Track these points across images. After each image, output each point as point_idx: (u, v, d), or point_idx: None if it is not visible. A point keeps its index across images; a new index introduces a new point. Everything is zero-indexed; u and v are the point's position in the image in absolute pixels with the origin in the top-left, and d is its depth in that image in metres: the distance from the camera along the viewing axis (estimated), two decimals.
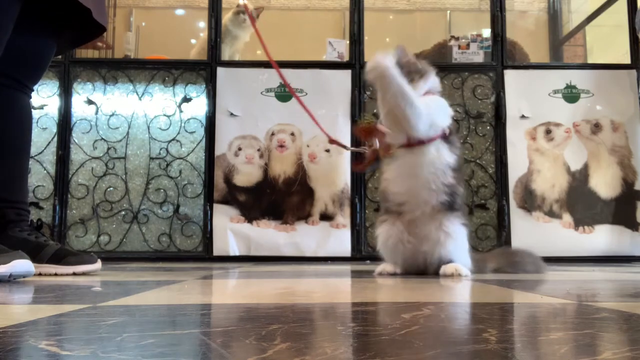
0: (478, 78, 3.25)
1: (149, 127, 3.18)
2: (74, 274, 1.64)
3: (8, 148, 1.65)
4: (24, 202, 1.70)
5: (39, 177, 3.11)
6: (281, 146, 3.12)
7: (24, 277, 1.39)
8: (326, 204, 3.10)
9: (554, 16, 4.33)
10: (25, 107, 1.72)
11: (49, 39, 1.72)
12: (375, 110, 3.21)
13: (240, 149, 3.12)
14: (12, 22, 1.47)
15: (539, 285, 1.42)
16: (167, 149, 3.16)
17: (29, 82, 1.71)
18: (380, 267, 1.81)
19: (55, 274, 1.62)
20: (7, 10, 1.46)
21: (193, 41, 4.03)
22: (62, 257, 1.64)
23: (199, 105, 3.20)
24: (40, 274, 1.60)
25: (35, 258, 1.55)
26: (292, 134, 3.14)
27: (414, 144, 1.73)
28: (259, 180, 3.12)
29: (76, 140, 3.16)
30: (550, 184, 3.15)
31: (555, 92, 3.22)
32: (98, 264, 1.72)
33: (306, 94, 3.17)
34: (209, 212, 3.09)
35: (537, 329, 0.70)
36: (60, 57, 3.17)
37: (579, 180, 3.15)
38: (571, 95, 3.22)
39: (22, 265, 1.35)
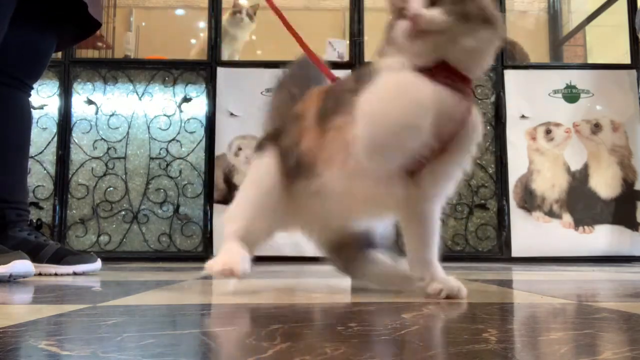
0: (478, 78, 3.25)
1: (149, 127, 3.18)
2: (74, 273, 1.64)
3: (7, 148, 1.65)
4: (24, 202, 1.70)
5: (39, 177, 3.11)
6: None
7: (24, 277, 1.39)
8: None
9: (554, 16, 4.33)
10: (25, 106, 1.72)
11: (49, 36, 1.71)
12: None
13: (240, 149, 3.12)
14: (7, 19, 1.47)
15: (539, 285, 1.42)
16: (167, 149, 3.16)
17: (29, 80, 1.71)
18: None
19: (55, 274, 1.62)
20: (4, 12, 1.46)
21: (193, 41, 4.03)
22: (62, 256, 1.64)
23: (199, 105, 3.20)
24: (40, 274, 1.61)
25: (35, 258, 1.55)
26: None
27: None
28: None
29: (76, 140, 3.16)
30: (550, 184, 3.15)
31: (555, 92, 3.22)
32: (98, 264, 1.73)
33: None
34: (209, 212, 3.09)
35: (537, 329, 0.70)
36: (60, 57, 3.17)
37: (579, 180, 3.15)
38: (571, 95, 3.22)
39: (22, 265, 1.35)
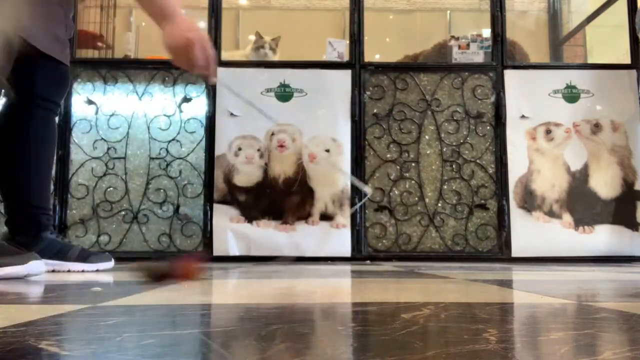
0: (478, 78, 3.25)
1: (149, 127, 3.17)
2: (97, 270, 1.89)
3: (44, 164, 1.90)
4: (50, 209, 1.95)
5: None
6: (281, 146, 3.12)
7: (36, 275, 1.56)
8: (326, 204, 3.10)
9: (554, 16, 4.33)
10: (55, 127, 1.97)
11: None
12: (375, 110, 3.22)
13: (240, 149, 3.12)
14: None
15: (539, 285, 1.42)
16: (167, 149, 3.16)
17: (61, 101, 1.96)
18: None
19: (83, 271, 1.85)
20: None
21: None
22: (87, 256, 1.91)
23: (199, 105, 3.20)
24: (69, 271, 1.84)
25: (64, 257, 1.85)
26: (292, 134, 3.14)
27: None
28: (259, 180, 3.12)
29: (76, 140, 3.16)
30: (550, 184, 3.15)
31: (555, 92, 3.22)
32: (112, 262, 2.01)
33: (306, 94, 3.17)
34: (209, 212, 3.09)
35: (537, 329, 0.70)
36: None
37: (579, 180, 3.15)
38: (571, 95, 3.22)
39: (37, 265, 1.54)
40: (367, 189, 2.67)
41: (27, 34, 1.67)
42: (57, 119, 2.00)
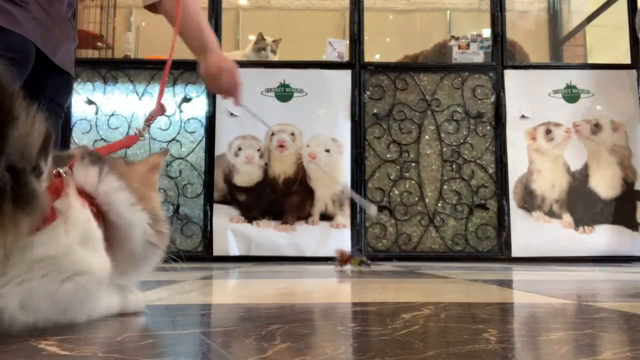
0: (478, 78, 3.25)
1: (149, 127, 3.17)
2: None
3: None
4: None
5: None
6: (281, 146, 3.12)
7: None
8: (326, 204, 3.10)
9: (554, 16, 4.33)
10: (59, 128, 1.98)
11: None
12: (375, 110, 3.22)
13: (240, 149, 3.12)
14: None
15: (539, 285, 1.42)
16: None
17: (65, 105, 1.98)
18: None
19: None
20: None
21: None
22: None
23: (199, 105, 3.20)
24: None
25: None
26: (292, 134, 3.14)
27: None
28: (259, 180, 3.11)
29: (76, 141, 3.15)
30: (550, 184, 3.15)
31: (555, 92, 3.22)
32: None
33: (306, 94, 3.17)
34: (209, 212, 3.09)
35: (537, 329, 0.70)
36: None
37: (579, 180, 3.14)
38: (571, 95, 3.22)
39: None
40: (372, 210, 2.76)
41: (50, 52, 1.73)
42: (60, 122, 2.04)
